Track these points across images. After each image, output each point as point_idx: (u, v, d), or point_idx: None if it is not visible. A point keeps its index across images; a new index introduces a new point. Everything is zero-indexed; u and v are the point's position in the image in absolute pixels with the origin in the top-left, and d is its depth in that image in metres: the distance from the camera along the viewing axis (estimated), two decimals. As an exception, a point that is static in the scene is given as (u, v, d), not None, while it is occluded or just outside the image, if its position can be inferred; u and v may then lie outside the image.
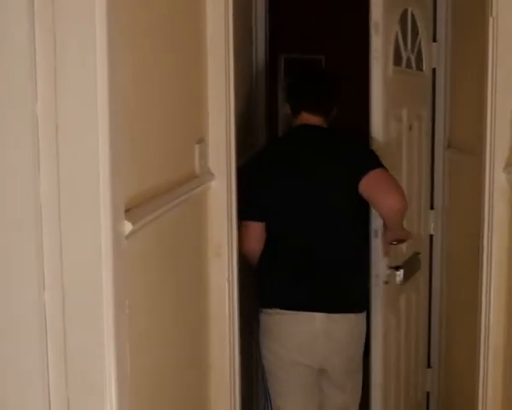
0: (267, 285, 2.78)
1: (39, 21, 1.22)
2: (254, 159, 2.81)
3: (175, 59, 1.87)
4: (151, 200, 1.61)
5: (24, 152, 1.24)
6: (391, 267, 2.88)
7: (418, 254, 3.25)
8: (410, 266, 3.09)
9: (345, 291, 2.71)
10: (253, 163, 2.76)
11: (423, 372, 3.51)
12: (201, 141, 2.11)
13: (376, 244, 2.81)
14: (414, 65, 3.14)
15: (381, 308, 2.87)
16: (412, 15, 3.05)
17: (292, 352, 2.72)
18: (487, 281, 2.34)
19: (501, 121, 2.26)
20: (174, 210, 1.79)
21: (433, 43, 3.27)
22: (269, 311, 2.73)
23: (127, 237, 1.40)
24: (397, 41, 2.92)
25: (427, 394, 3.58)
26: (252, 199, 2.68)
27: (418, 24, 3.11)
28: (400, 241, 2.85)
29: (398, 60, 2.94)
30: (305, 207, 2.69)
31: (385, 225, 2.76)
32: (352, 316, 2.73)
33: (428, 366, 3.55)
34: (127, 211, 1.43)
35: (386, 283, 2.86)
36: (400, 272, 2.91)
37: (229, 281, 2.25)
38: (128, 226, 1.40)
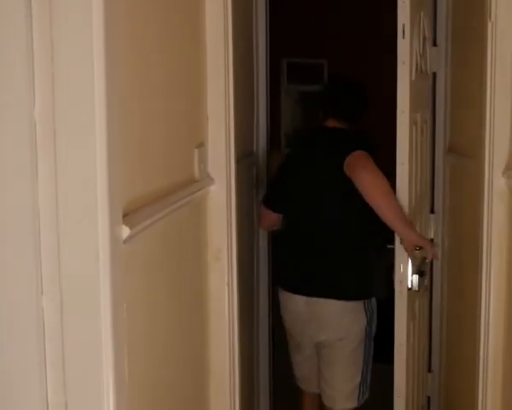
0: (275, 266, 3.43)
1: (37, 27, 1.23)
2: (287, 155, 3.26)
3: (174, 63, 1.87)
4: (150, 204, 1.62)
5: (22, 157, 1.25)
6: (414, 273, 2.81)
7: (425, 258, 3.24)
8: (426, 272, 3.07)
9: (330, 279, 2.98)
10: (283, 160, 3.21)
11: (424, 377, 3.50)
12: (201, 145, 2.11)
13: (400, 251, 2.77)
14: (423, 69, 3.15)
15: (406, 315, 2.80)
16: (423, 20, 3.05)
17: (289, 325, 3.14)
18: (487, 284, 2.34)
19: (500, 125, 2.26)
20: (173, 214, 1.80)
21: (434, 47, 3.27)
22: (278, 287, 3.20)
23: (125, 241, 1.41)
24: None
25: (428, 398, 3.58)
26: (274, 190, 3.17)
27: (426, 29, 3.11)
28: (420, 247, 2.79)
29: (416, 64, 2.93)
30: (309, 197, 2.99)
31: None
32: (334, 302, 2.95)
33: (429, 370, 3.54)
34: (125, 215, 1.43)
35: (410, 289, 2.81)
36: (423, 278, 2.85)
37: (228, 285, 2.25)
38: (126, 231, 1.40)
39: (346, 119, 3.04)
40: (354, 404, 3.07)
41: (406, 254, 2.78)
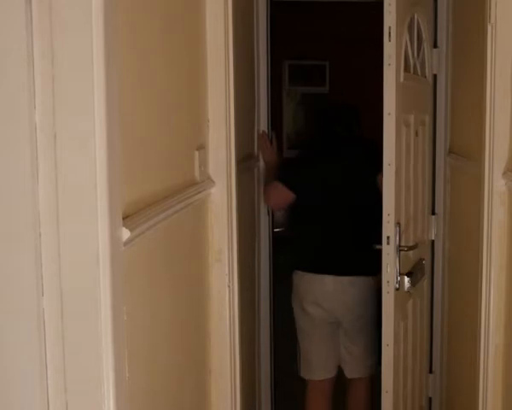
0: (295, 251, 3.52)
1: (37, 31, 1.23)
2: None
3: (174, 66, 1.88)
4: (150, 207, 1.62)
5: (22, 160, 1.25)
6: (401, 274, 2.85)
7: (423, 260, 3.25)
8: (417, 273, 3.08)
9: (356, 258, 3.31)
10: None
11: (425, 378, 3.50)
12: (201, 147, 2.12)
13: (388, 251, 2.78)
14: (419, 71, 3.15)
15: (394, 314, 2.82)
16: (418, 22, 3.05)
17: (311, 306, 3.32)
18: (487, 285, 2.35)
19: (500, 127, 2.27)
20: (174, 216, 1.80)
21: (434, 49, 3.28)
22: (297, 272, 3.38)
23: (125, 243, 1.41)
24: (405, 47, 2.92)
25: (430, 399, 3.58)
26: (297, 174, 3.39)
27: (423, 30, 3.12)
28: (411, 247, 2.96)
29: (406, 66, 2.94)
30: (326, 188, 3.31)
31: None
32: (361, 279, 3.30)
33: (430, 371, 3.54)
34: (125, 218, 1.44)
35: (397, 289, 2.83)
36: (409, 279, 2.89)
37: (229, 287, 2.26)
38: (126, 233, 1.41)
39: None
40: (373, 371, 3.45)
41: (393, 254, 2.81)
